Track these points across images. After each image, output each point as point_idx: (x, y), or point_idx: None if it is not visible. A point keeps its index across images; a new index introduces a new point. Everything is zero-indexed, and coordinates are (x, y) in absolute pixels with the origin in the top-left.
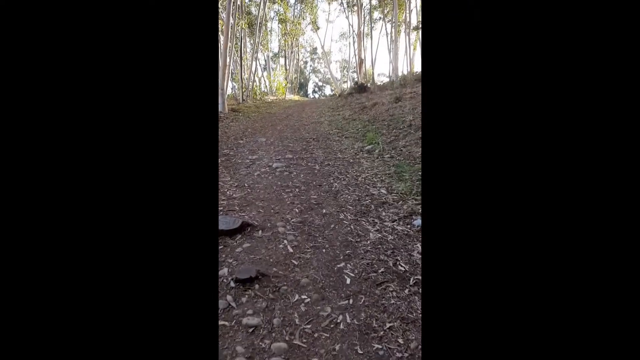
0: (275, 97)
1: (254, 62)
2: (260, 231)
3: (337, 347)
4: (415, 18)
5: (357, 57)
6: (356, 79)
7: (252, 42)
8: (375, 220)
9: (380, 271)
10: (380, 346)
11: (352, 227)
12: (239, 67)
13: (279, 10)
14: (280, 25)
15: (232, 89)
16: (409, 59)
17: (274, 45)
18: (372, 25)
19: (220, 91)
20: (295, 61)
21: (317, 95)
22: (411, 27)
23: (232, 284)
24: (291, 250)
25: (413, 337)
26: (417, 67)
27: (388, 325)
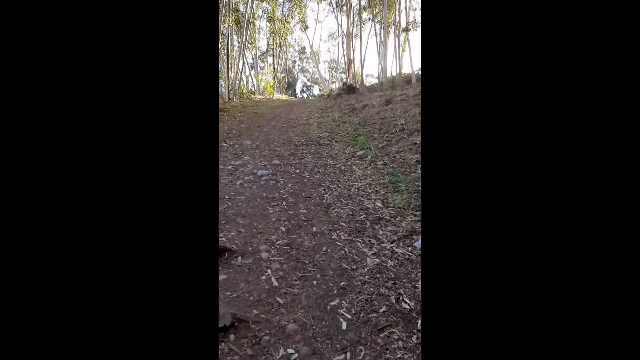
0: (262, 97)
1: (241, 60)
2: (239, 257)
3: None
4: (404, 19)
5: (345, 57)
6: (345, 80)
7: (239, 40)
8: (372, 241)
9: (381, 310)
10: None
11: (346, 249)
12: (225, 65)
13: (267, 8)
14: (268, 24)
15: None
16: (398, 60)
17: (262, 44)
18: (362, 25)
19: None
20: (283, 60)
21: (305, 95)
22: (400, 28)
23: None
24: (276, 283)
25: None
26: (406, 69)
27: None
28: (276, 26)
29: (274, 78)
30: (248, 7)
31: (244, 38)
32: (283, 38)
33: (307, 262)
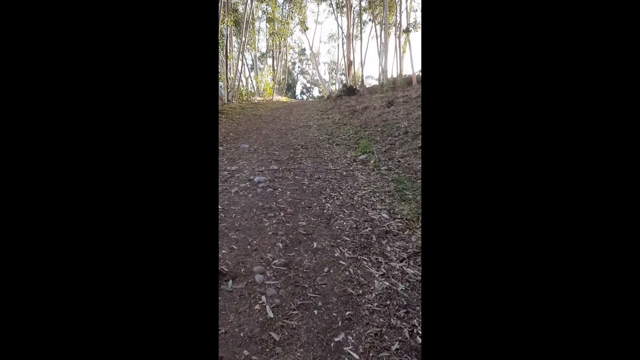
0: (262, 98)
1: (240, 62)
2: (230, 281)
3: None
4: (405, 20)
5: (346, 59)
6: (345, 81)
7: (238, 41)
8: (380, 259)
9: (394, 348)
10: None
11: (350, 270)
12: (224, 67)
13: (266, 9)
14: (268, 25)
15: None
16: (399, 61)
17: (262, 45)
18: (362, 27)
19: None
20: (283, 62)
21: (305, 97)
22: (401, 29)
23: None
24: (271, 314)
25: None
26: (407, 70)
27: None
28: (276, 27)
29: (273, 80)
30: (247, 8)
31: (243, 39)
32: (283, 39)
33: (307, 285)
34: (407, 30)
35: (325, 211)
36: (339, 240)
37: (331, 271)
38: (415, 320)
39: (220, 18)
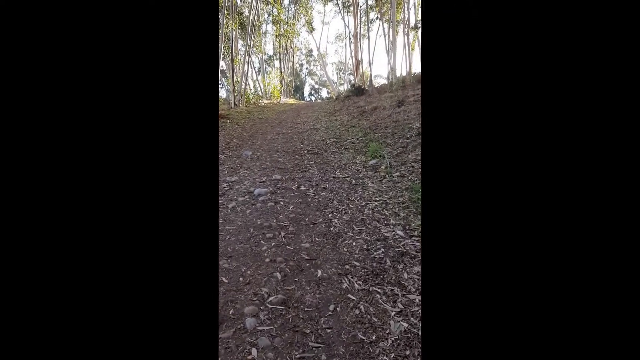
0: (269, 101)
1: (246, 65)
2: None
3: None
4: (413, 17)
5: (353, 58)
6: (353, 81)
7: (244, 44)
8: (396, 291)
9: None
10: None
11: (361, 307)
12: (230, 70)
13: (272, 11)
14: (274, 27)
15: (227, 92)
16: (408, 59)
17: (269, 48)
18: (369, 25)
19: None
20: (290, 64)
21: (313, 98)
22: (410, 27)
23: None
24: None
25: None
26: (416, 68)
27: None
28: (282, 29)
29: (280, 82)
30: (253, 10)
31: (249, 42)
32: (289, 41)
33: (308, 331)
34: (415, 27)
35: (332, 229)
36: (347, 267)
37: (338, 309)
38: None
39: (225, 21)
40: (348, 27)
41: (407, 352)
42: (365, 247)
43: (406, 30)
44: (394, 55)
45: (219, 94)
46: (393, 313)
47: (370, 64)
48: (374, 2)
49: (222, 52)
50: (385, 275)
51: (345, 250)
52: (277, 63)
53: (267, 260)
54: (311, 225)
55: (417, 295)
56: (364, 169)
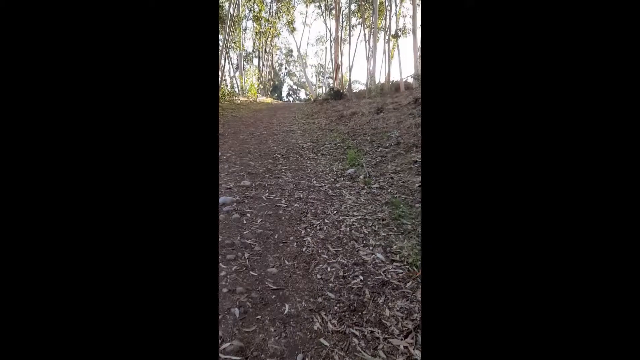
0: (245, 99)
1: (223, 60)
2: None
3: None
4: (394, 25)
5: (333, 62)
6: (332, 85)
7: (222, 38)
8: (376, 333)
9: None
10: None
11: (335, 357)
12: None
13: (253, 7)
14: (254, 24)
15: None
16: (387, 66)
17: (249, 45)
18: (350, 30)
19: None
20: (270, 62)
21: (291, 99)
22: (390, 34)
23: None
24: None
25: None
26: (394, 76)
27: None
28: (262, 27)
29: (258, 80)
30: (232, 5)
31: (226, 36)
32: (270, 39)
33: None
34: (396, 35)
35: (304, 249)
36: (320, 299)
37: None
38: None
39: None
40: (329, 30)
41: None
42: (341, 273)
43: (387, 37)
44: (374, 61)
45: None
46: None
47: (349, 68)
48: (356, 7)
49: None
50: (364, 312)
51: (319, 277)
52: (255, 61)
53: (225, 290)
54: (281, 245)
55: (402, 340)
56: (342, 178)
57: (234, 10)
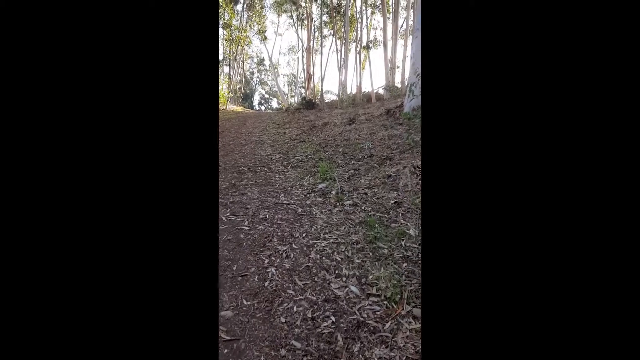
0: None
1: None
2: None
3: None
4: (365, 37)
5: (305, 72)
6: (304, 94)
7: None
8: None
9: None
10: None
11: None
12: None
13: (223, 14)
14: (224, 31)
15: None
16: (358, 77)
17: (219, 52)
18: (322, 41)
19: None
20: (240, 70)
21: (263, 108)
22: (361, 45)
23: None
24: None
25: None
26: (365, 87)
27: None
28: (233, 34)
29: (228, 88)
30: None
31: None
32: (240, 47)
33: None
34: (367, 47)
35: (267, 283)
36: (283, 352)
37: None
38: None
39: None
40: (301, 40)
41: None
42: (309, 314)
43: (358, 49)
44: (346, 72)
45: None
46: None
47: (322, 78)
48: (327, 18)
49: None
50: None
51: (283, 321)
52: (226, 69)
53: None
54: (239, 279)
55: None
56: (313, 194)
57: None
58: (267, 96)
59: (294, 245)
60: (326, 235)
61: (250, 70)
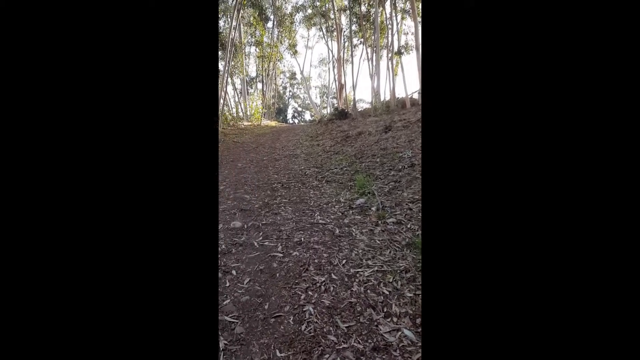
0: (249, 123)
1: (224, 85)
2: None
3: None
4: (397, 42)
5: (337, 82)
6: (336, 105)
7: (224, 64)
8: None
9: None
10: None
11: None
12: None
13: (254, 32)
14: (257, 49)
15: None
16: (391, 83)
17: (252, 69)
18: (352, 50)
19: None
20: (273, 86)
21: (296, 121)
22: (393, 52)
23: None
24: None
25: None
26: (399, 92)
27: None
28: (264, 51)
29: (262, 104)
30: (233, 31)
31: (228, 61)
32: (272, 63)
33: None
34: (398, 53)
35: (303, 327)
36: None
37: None
38: None
39: None
40: (332, 52)
41: None
42: None
43: (389, 55)
44: (378, 79)
45: None
46: None
47: (353, 87)
48: (357, 27)
49: None
50: None
51: None
52: (260, 85)
53: None
54: (272, 321)
55: None
56: (351, 211)
57: (233, 35)
58: (300, 109)
59: (333, 276)
60: (369, 262)
61: (283, 84)
